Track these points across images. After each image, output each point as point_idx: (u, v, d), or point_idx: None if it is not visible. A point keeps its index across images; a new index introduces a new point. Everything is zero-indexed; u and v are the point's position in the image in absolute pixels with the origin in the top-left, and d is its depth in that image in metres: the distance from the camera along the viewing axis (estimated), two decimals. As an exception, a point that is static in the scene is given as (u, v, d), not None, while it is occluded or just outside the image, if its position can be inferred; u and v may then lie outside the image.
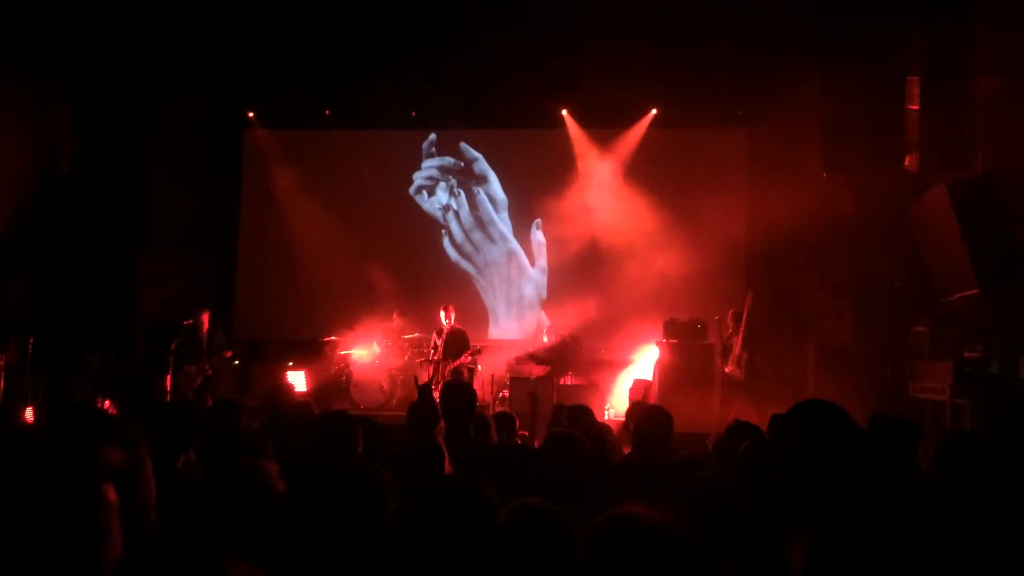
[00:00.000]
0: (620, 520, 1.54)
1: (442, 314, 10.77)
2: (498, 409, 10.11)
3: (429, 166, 13.17)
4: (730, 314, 10.30)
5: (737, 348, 9.90)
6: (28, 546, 1.38)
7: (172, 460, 3.30)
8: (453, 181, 13.09)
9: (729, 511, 2.38)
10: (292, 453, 3.44)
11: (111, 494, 1.49)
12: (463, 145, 13.08)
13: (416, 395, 4.81)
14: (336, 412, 3.96)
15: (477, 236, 13.02)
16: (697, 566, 1.48)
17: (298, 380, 11.14)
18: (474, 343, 10.84)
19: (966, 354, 8.39)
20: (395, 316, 11.66)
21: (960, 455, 3.09)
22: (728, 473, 2.83)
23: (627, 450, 4.40)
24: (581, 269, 12.33)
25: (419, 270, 12.56)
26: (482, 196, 13.03)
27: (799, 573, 1.30)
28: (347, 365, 11.56)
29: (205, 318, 9.97)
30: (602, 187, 12.47)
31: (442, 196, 13.09)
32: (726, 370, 9.99)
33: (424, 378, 10.92)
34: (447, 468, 3.35)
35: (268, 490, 2.26)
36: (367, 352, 11.76)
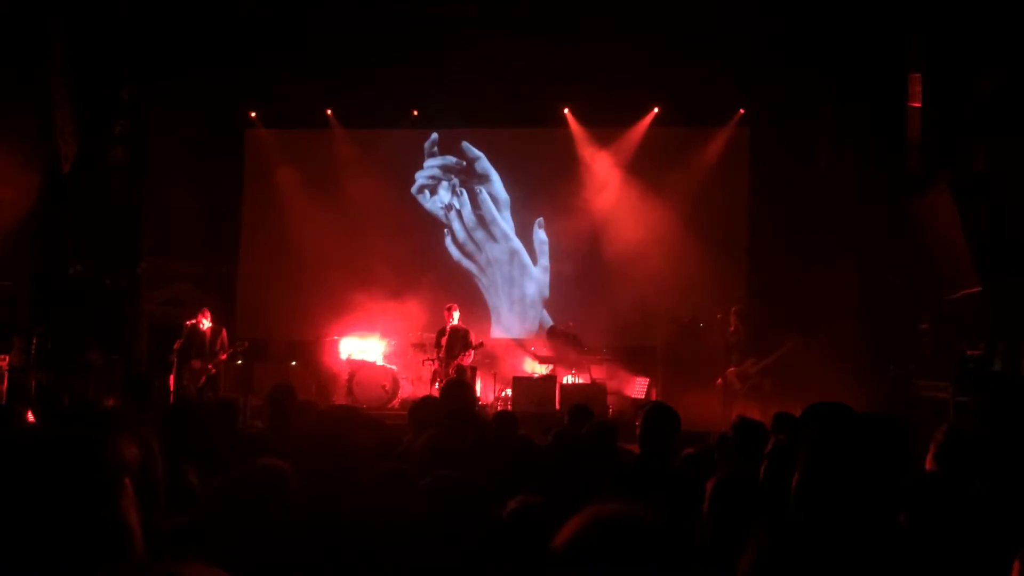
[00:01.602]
0: (596, 518, 1.56)
1: (445, 313, 10.77)
2: (500, 408, 10.15)
3: (431, 165, 13.17)
4: (733, 312, 10.31)
5: (752, 369, 9.82)
6: (54, 542, 1.38)
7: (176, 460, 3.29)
8: (455, 180, 13.09)
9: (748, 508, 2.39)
10: (298, 451, 3.44)
11: (130, 492, 1.50)
12: (465, 144, 13.09)
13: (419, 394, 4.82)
14: (342, 407, 3.97)
15: (479, 235, 13.03)
16: (671, 561, 1.51)
17: (300, 380, 11.15)
18: (476, 341, 10.84)
19: (968, 352, 8.38)
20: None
21: (955, 450, 3.09)
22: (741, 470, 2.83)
23: (632, 448, 4.41)
24: (583, 268, 12.34)
25: (421, 269, 12.56)
26: (484, 195, 13.03)
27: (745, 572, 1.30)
28: (349, 364, 11.57)
29: (207, 317, 9.99)
30: (604, 185, 12.49)
31: (444, 195, 13.10)
32: (729, 371, 9.96)
33: (427, 377, 10.95)
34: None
35: (282, 492, 2.25)
36: (369, 352, 11.78)
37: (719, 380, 9.96)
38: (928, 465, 3.07)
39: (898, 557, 1.26)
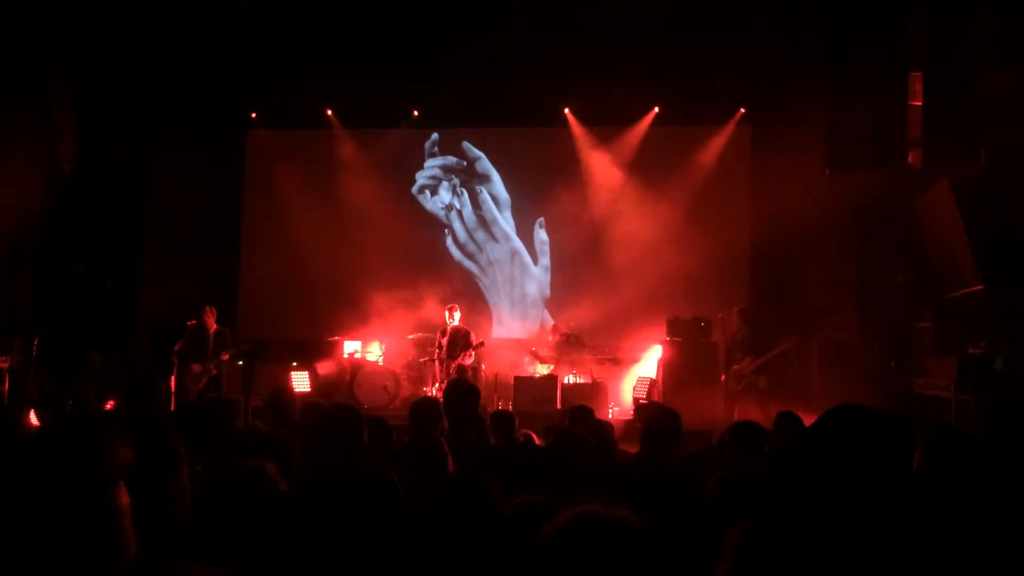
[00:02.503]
0: (581, 518, 1.56)
1: (447, 313, 10.77)
2: (501, 408, 10.14)
3: (432, 165, 13.17)
4: (735, 311, 10.30)
5: (747, 368, 9.79)
6: (37, 551, 1.38)
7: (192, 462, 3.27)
8: (456, 180, 13.09)
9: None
10: (300, 450, 3.44)
11: (123, 495, 1.49)
12: (465, 144, 13.09)
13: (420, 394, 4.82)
14: (343, 405, 3.97)
15: (480, 235, 13.02)
16: (657, 562, 1.51)
17: (302, 380, 11.16)
18: (476, 340, 10.83)
19: (970, 350, 8.37)
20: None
21: (945, 450, 3.08)
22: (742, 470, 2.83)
23: (633, 448, 4.41)
24: (584, 267, 12.34)
25: (422, 269, 12.55)
26: (485, 195, 13.03)
27: (727, 567, 1.28)
28: (351, 365, 11.57)
29: (210, 317, 9.97)
30: (604, 185, 12.48)
31: (445, 195, 13.10)
32: (733, 368, 9.94)
33: (428, 378, 10.94)
34: (450, 466, 3.35)
35: (268, 491, 2.25)
36: (371, 352, 11.78)
37: (723, 376, 9.96)
38: (916, 465, 3.07)
39: (880, 556, 1.25)
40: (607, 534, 1.51)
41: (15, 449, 1.55)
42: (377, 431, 3.89)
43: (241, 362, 10.84)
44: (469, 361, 10.50)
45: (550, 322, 12.33)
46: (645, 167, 12.34)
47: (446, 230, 13.11)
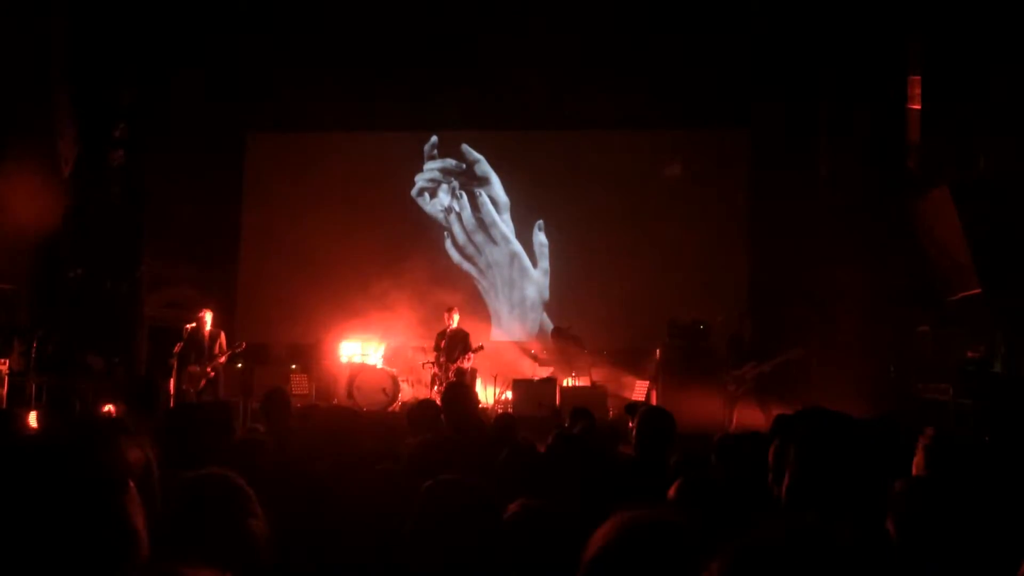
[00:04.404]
0: (635, 522, 1.54)
1: (445, 316, 10.77)
2: (500, 411, 10.15)
3: (431, 168, 13.17)
4: (734, 315, 10.30)
5: (749, 373, 9.76)
6: (61, 544, 1.38)
7: (184, 466, 3.27)
8: (455, 183, 13.09)
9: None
10: (295, 453, 3.44)
11: (135, 496, 1.50)
12: (465, 147, 13.09)
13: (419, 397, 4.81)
14: (341, 408, 3.97)
15: (479, 238, 13.02)
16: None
17: (300, 383, 11.14)
18: (476, 344, 10.82)
19: (969, 354, 8.38)
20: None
21: (943, 453, 3.07)
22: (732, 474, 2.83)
23: (628, 450, 4.41)
24: (583, 270, 12.34)
25: (421, 272, 12.53)
26: (484, 198, 13.03)
27: None
28: (349, 368, 11.56)
29: (207, 319, 9.97)
30: (603, 188, 12.48)
31: (444, 198, 13.10)
32: (735, 372, 9.93)
33: (427, 380, 10.94)
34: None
35: (229, 501, 2.21)
36: (369, 355, 11.78)
37: (724, 382, 9.94)
38: (915, 469, 3.06)
39: (879, 566, 1.22)
40: (656, 537, 1.49)
41: (23, 451, 1.55)
42: (382, 434, 3.89)
43: (240, 365, 10.83)
44: (468, 364, 10.49)
45: (549, 325, 12.33)
46: (644, 169, 12.34)
47: (445, 233, 13.11)
